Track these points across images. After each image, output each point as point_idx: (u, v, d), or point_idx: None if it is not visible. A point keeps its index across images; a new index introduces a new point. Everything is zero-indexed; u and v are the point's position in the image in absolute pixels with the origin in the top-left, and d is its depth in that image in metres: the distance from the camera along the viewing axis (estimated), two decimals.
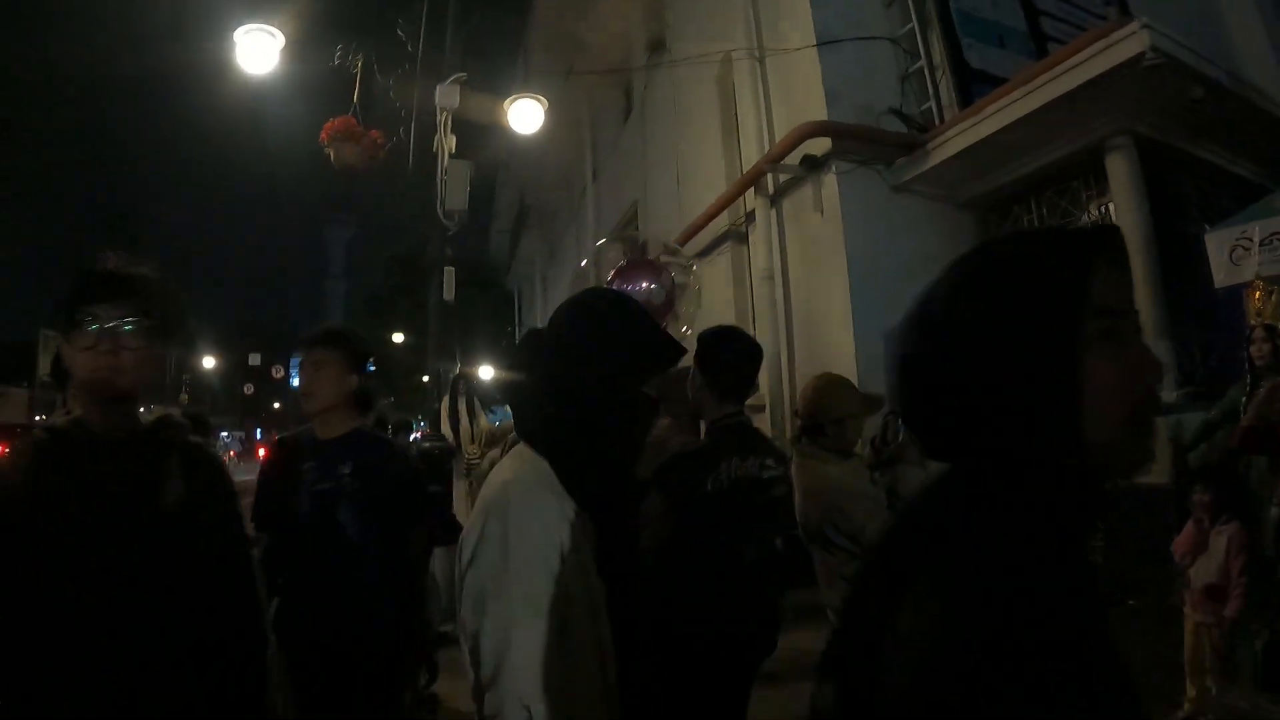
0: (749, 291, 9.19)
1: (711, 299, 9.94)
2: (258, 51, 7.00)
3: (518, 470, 1.40)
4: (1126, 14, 7.23)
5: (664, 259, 11.06)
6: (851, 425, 2.81)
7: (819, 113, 7.65)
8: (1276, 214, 6.01)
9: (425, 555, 3.05)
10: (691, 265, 10.74)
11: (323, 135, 7.43)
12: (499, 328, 30.90)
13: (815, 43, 7.78)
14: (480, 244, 28.67)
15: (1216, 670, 3.63)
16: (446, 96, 7.58)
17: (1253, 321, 4.39)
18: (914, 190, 7.73)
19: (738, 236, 9.60)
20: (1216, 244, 6.15)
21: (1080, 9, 8.35)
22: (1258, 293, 4.42)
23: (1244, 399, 4.26)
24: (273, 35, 6.98)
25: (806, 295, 7.93)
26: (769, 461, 2.54)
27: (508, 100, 7.96)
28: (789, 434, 7.57)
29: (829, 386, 2.92)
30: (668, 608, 2.14)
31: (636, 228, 13.70)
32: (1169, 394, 6.12)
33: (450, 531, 4.76)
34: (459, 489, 7.63)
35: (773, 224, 8.41)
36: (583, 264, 5.64)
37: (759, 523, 2.49)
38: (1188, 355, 6.84)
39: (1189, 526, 3.86)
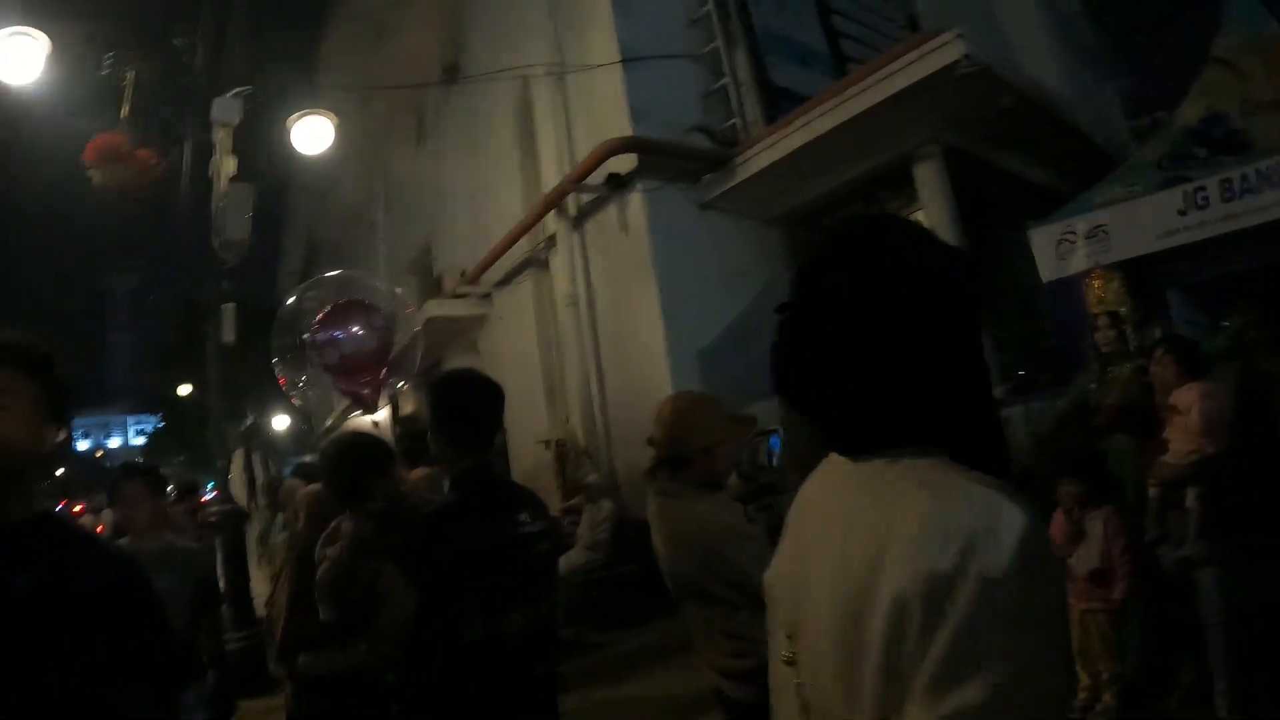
0: (553, 319, 8.55)
1: (513, 329, 9.23)
2: (18, 58, 5.93)
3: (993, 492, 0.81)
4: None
5: (462, 290, 10.31)
6: (721, 452, 2.32)
7: (624, 130, 7.24)
8: (1096, 209, 6.23)
9: None
10: (487, 295, 10.16)
11: (86, 155, 6.34)
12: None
13: (620, 59, 7.43)
14: (268, 286, 26.55)
15: (1107, 654, 3.60)
16: (225, 111, 6.46)
17: (1095, 310, 4.40)
18: (721, 207, 7.50)
19: (539, 264, 8.96)
20: (1042, 240, 6.25)
21: (877, 32, 8.69)
22: (1098, 281, 4.45)
23: (1094, 385, 4.21)
24: (35, 39, 5.95)
25: (615, 319, 7.40)
26: (524, 516, 2.26)
27: (293, 117, 6.99)
28: (596, 470, 6.91)
29: (692, 408, 2.37)
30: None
31: (432, 261, 12.77)
32: (996, 389, 6.22)
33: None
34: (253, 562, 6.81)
35: (575, 247, 7.86)
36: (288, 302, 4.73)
37: (515, 589, 2.15)
38: (1004, 351, 7.04)
39: (1058, 518, 3.78)
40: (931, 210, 6.84)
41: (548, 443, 8.22)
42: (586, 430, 7.38)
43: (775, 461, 2.39)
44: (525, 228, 8.58)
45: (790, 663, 0.94)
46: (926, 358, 0.86)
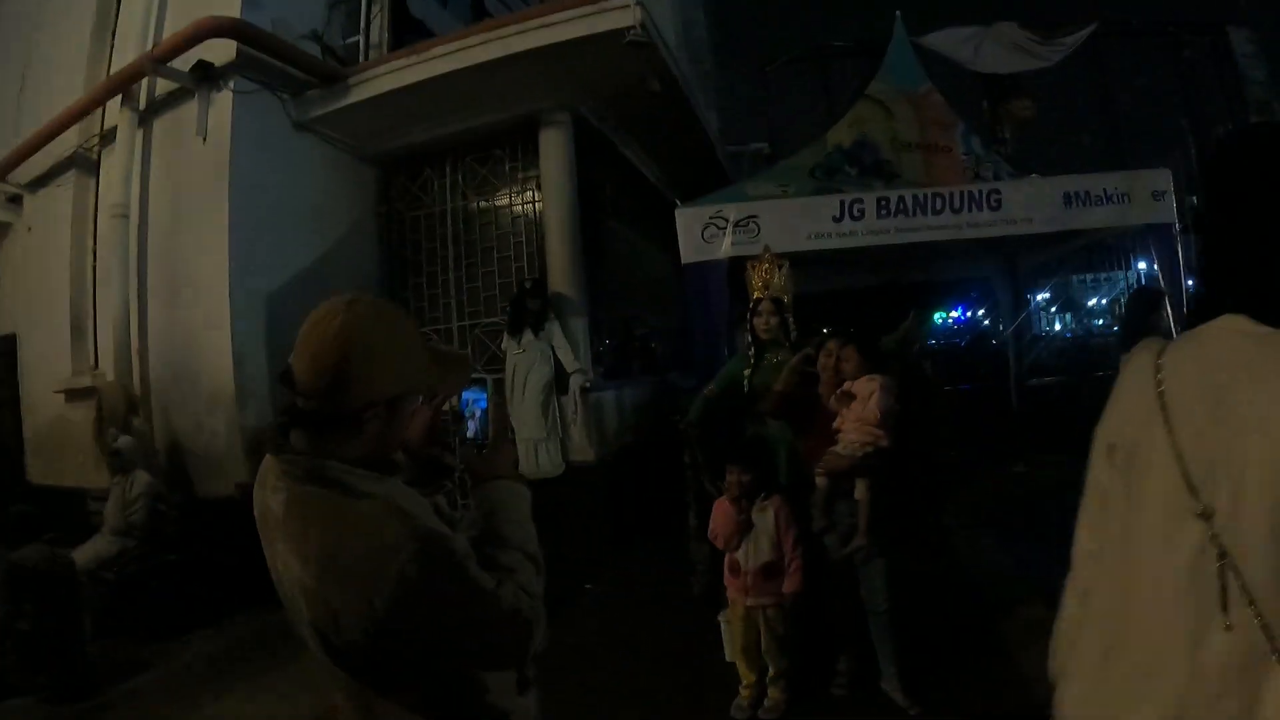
0: (93, 236, 6.74)
1: (42, 245, 7.21)
2: None
3: None
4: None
5: None
6: (412, 413, 1.38)
7: (230, 11, 5.78)
8: (749, 199, 6.41)
9: None
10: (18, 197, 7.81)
11: None
12: None
13: None
14: None
15: (776, 650, 3.43)
16: None
17: (758, 293, 4.22)
18: (320, 131, 6.41)
19: (86, 164, 7.02)
20: (687, 221, 6.19)
21: None
22: (765, 265, 4.27)
23: (747, 370, 4.03)
24: None
25: (171, 242, 5.88)
26: None
27: None
28: (131, 432, 5.45)
29: (373, 331, 1.24)
30: None
31: None
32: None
33: None
34: None
35: (138, 146, 6.15)
36: None
37: None
38: (601, 336, 6.88)
39: (724, 508, 3.53)
40: (550, 180, 6.46)
41: (72, 393, 6.40)
42: (121, 379, 5.78)
43: (478, 431, 1.36)
44: (81, 111, 6.59)
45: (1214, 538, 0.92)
46: None
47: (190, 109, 5.89)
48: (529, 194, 6.66)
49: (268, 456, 1.26)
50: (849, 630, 3.53)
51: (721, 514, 3.54)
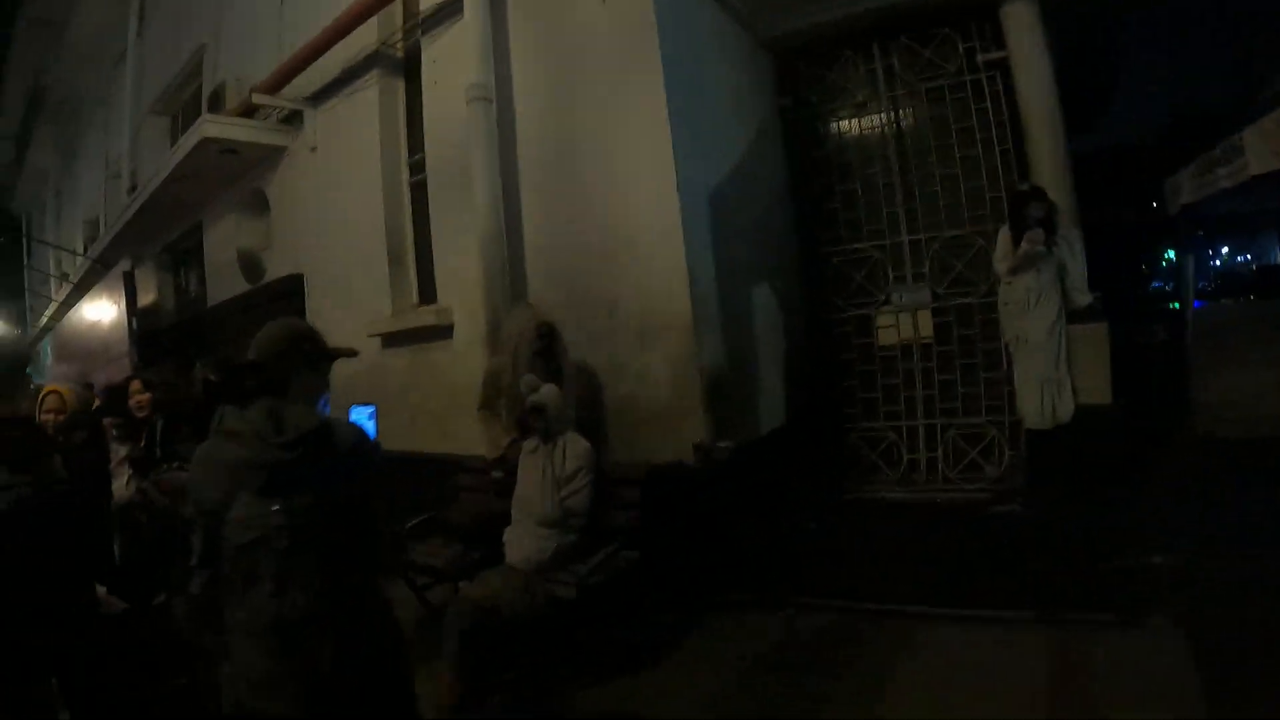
0: (403, 149, 5.46)
1: (334, 166, 5.99)
2: None
3: None
4: None
5: (260, 100, 6.64)
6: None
7: None
8: None
9: None
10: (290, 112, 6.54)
11: None
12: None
13: None
14: None
15: None
16: None
17: None
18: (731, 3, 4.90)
19: (391, 63, 5.72)
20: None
21: None
22: None
23: None
24: None
25: (566, 131, 4.37)
26: None
27: None
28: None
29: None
30: None
31: (201, 84, 8.79)
32: None
33: None
34: None
35: (485, 14, 4.62)
36: None
37: None
38: None
39: None
40: (1022, 63, 4.92)
41: (391, 336, 5.10)
42: (488, 310, 4.35)
43: None
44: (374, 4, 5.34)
45: None
46: None
47: None
48: (993, 81, 5.07)
49: None
50: None
51: None
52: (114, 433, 3.72)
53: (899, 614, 3.29)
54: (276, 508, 1.63)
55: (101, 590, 2.74)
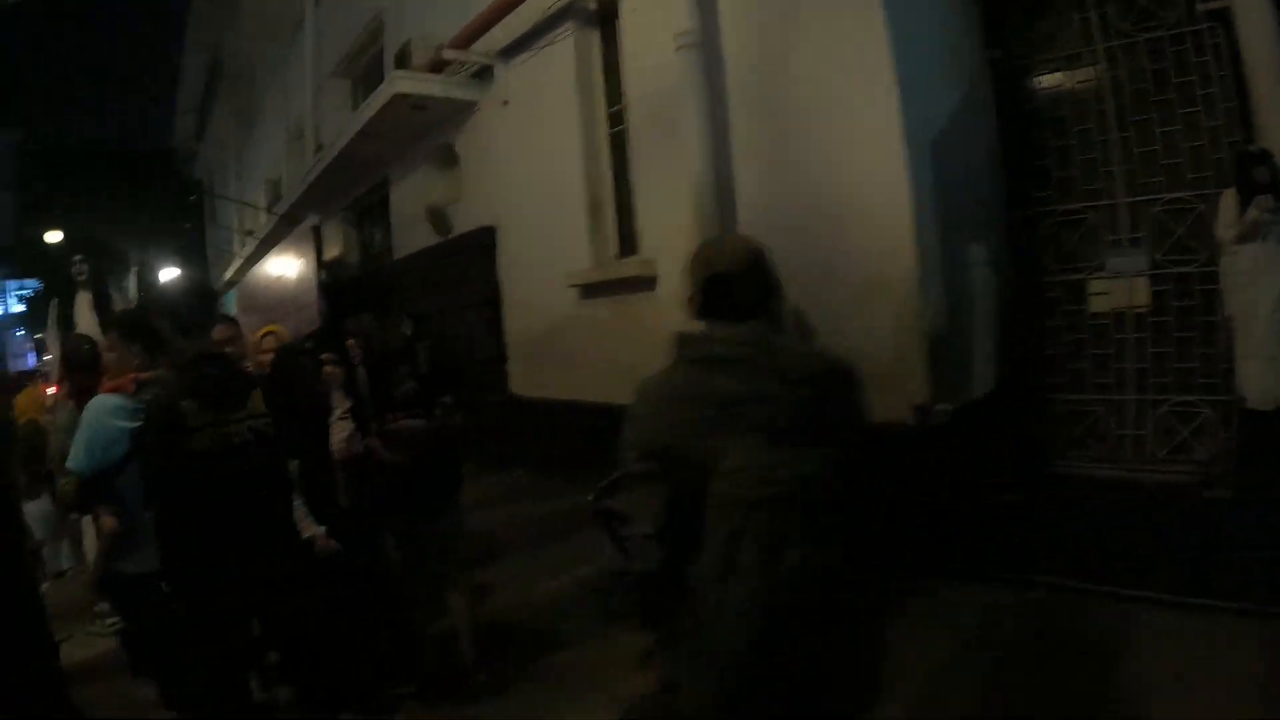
0: (601, 101, 5.45)
1: (529, 120, 6.10)
2: None
3: None
4: None
5: (449, 54, 6.84)
6: None
7: None
8: None
9: None
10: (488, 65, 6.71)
11: None
12: (184, 225, 24.31)
13: None
14: (165, 130, 23.56)
15: None
16: None
17: None
18: None
19: (585, 15, 5.76)
20: None
21: None
22: None
23: None
24: None
25: (778, 81, 4.32)
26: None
27: None
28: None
29: None
30: None
31: (382, 49, 9.19)
32: None
33: None
34: None
35: None
36: None
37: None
38: None
39: None
40: (1247, 10, 4.28)
41: (590, 287, 5.19)
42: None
43: None
44: None
45: None
46: None
47: None
48: (1214, 33, 4.56)
49: None
50: None
51: None
52: (335, 382, 3.45)
53: (1113, 596, 3.15)
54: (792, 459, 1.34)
55: (320, 531, 2.85)
